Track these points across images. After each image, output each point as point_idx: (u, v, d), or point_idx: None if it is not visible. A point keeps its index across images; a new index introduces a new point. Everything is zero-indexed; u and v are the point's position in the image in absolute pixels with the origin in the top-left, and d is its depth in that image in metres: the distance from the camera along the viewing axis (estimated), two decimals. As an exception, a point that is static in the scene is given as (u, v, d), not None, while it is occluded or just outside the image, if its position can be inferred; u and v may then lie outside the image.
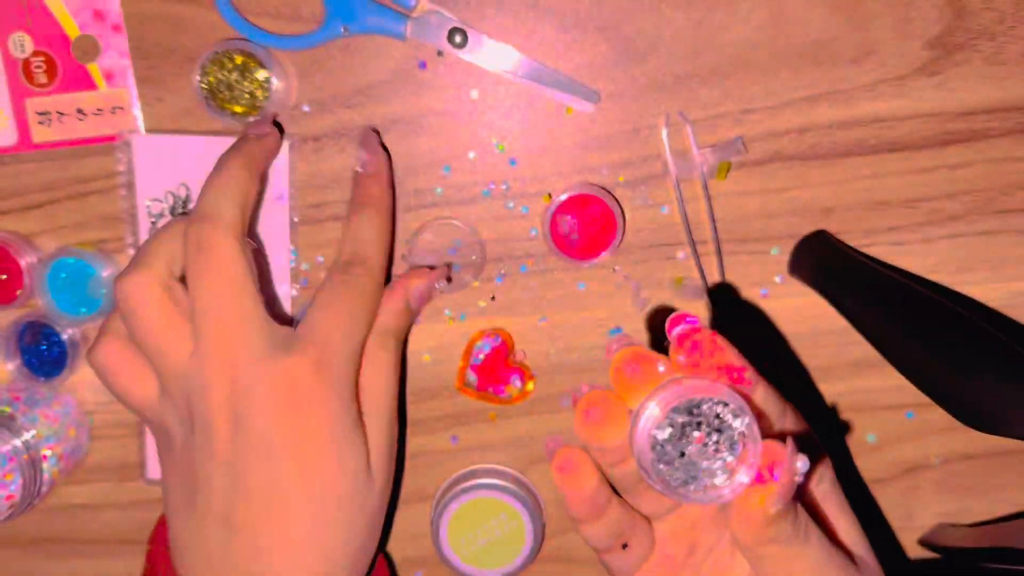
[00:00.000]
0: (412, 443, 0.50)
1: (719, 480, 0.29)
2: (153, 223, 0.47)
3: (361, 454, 0.40)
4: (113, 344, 0.41)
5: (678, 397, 0.28)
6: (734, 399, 0.28)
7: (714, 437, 0.28)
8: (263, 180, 0.44)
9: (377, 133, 0.45)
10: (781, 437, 0.29)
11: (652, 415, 0.29)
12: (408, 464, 0.50)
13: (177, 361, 0.39)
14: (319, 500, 0.38)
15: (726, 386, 0.29)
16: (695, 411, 0.28)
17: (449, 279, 0.46)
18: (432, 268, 0.45)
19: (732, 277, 0.47)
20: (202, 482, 0.38)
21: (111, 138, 0.46)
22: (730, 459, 0.28)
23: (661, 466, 0.29)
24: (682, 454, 0.28)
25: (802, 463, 0.28)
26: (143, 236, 0.47)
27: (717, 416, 0.28)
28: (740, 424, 0.28)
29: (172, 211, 0.47)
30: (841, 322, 0.47)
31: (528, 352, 0.49)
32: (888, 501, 0.50)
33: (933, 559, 0.49)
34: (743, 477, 0.28)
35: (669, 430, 0.28)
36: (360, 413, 0.41)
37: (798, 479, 0.28)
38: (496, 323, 0.48)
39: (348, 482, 0.39)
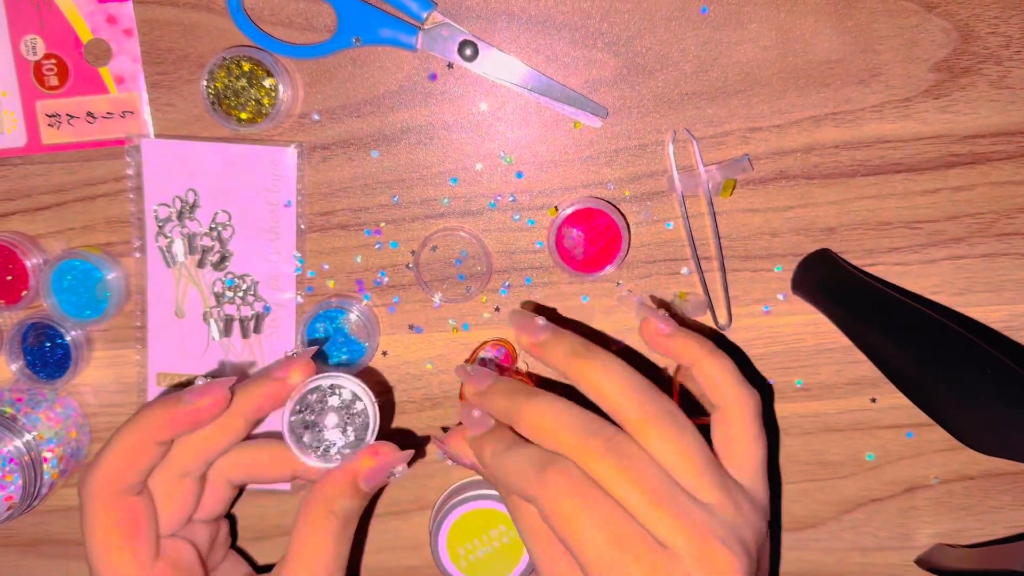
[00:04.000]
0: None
1: (333, 452, 0.40)
2: (160, 227, 0.47)
3: None
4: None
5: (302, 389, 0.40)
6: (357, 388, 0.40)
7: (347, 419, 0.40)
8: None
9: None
10: None
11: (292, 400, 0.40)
12: (408, 474, 0.50)
13: None
14: None
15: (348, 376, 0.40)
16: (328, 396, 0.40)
17: (410, 464, 0.40)
18: (393, 446, 0.40)
19: (735, 294, 0.48)
20: None
21: (120, 142, 0.47)
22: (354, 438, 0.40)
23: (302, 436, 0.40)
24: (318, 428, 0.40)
25: (400, 470, 0.40)
26: (150, 240, 0.47)
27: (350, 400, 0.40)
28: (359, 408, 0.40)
29: (179, 216, 0.47)
30: (843, 340, 0.47)
31: (531, 364, 0.49)
32: (886, 520, 0.50)
33: (930, 579, 0.49)
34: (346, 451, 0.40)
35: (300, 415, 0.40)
36: None
37: (391, 478, 0.40)
38: (500, 334, 0.48)
39: None
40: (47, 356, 0.48)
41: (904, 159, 0.46)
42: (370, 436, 0.40)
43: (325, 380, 0.40)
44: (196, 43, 0.46)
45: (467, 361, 0.48)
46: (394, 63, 0.46)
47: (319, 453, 0.40)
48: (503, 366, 0.48)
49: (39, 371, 0.48)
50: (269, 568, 0.40)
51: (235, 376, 0.40)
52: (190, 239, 0.47)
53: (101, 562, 0.38)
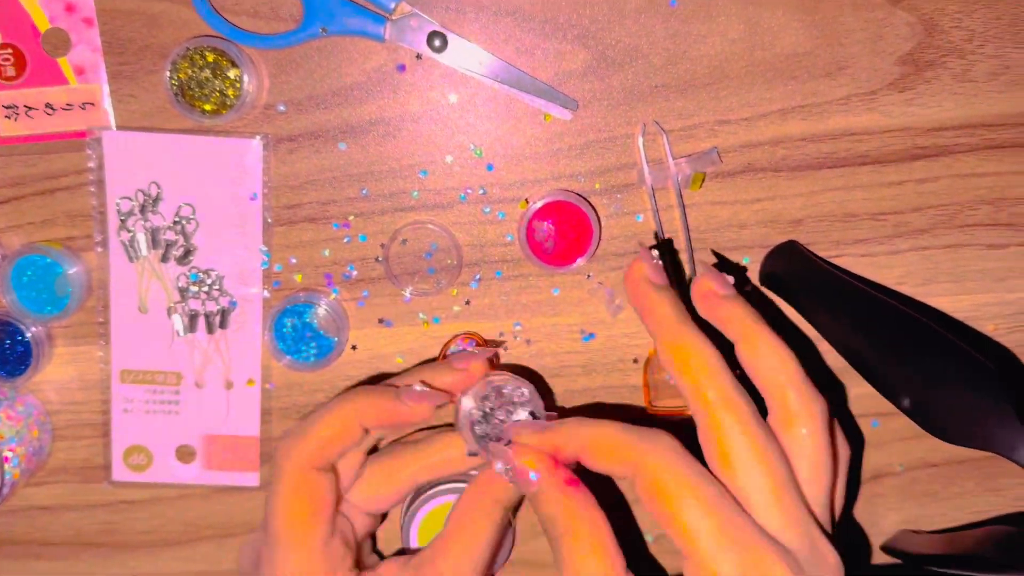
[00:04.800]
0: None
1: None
2: (122, 221, 0.46)
3: None
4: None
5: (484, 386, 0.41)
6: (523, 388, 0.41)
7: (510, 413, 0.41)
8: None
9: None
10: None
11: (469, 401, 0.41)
12: (379, 468, 0.50)
13: None
14: None
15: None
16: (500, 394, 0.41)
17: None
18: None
19: (704, 285, 0.48)
20: None
21: (80, 134, 0.46)
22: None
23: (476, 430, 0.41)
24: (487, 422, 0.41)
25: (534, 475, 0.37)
26: (112, 234, 0.46)
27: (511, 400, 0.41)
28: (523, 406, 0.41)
29: (142, 209, 0.46)
30: (810, 331, 0.48)
31: (502, 357, 0.49)
32: (853, 508, 0.50)
33: (895, 564, 0.50)
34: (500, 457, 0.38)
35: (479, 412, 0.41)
36: None
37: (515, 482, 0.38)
38: (470, 327, 0.48)
39: None
40: (7, 353, 0.47)
41: (870, 151, 0.47)
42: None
43: (501, 379, 0.42)
44: (159, 33, 0.45)
45: (440, 355, 0.48)
46: (362, 54, 0.45)
47: (482, 442, 0.41)
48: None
49: (-1, 369, 0.47)
50: None
51: (447, 394, 0.41)
52: (153, 233, 0.46)
53: (286, 534, 0.40)
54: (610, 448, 0.35)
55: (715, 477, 0.34)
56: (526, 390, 0.41)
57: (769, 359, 0.36)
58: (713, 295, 0.38)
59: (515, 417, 0.40)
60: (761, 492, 0.33)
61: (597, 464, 0.36)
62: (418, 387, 0.41)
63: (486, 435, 0.41)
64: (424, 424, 0.42)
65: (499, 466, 0.38)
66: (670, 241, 0.47)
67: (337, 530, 0.41)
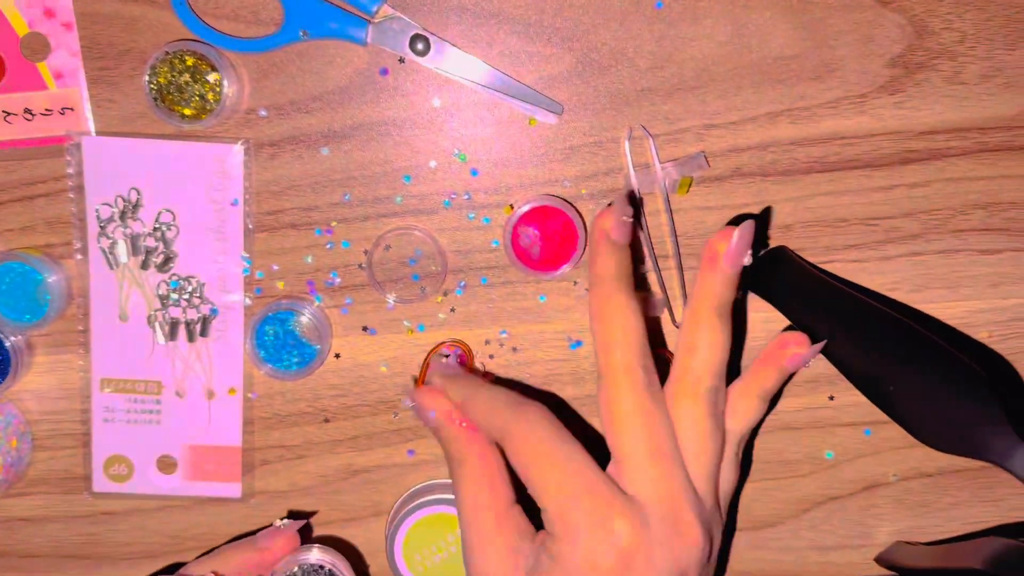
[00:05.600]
0: (367, 457, 0.49)
1: None
2: (102, 228, 0.45)
3: None
4: None
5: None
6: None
7: None
8: None
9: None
10: None
11: None
12: (363, 478, 0.49)
13: None
14: None
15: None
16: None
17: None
18: None
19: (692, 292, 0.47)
20: None
21: (59, 140, 0.45)
22: None
23: None
24: None
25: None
26: (92, 241, 0.46)
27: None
28: None
29: (122, 216, 0.45)
30: (801, 338, 0.47)
31: (488, 365, 0.48)
32: (845, 518, 0.50)
33: (889, 576, 0.49)
34: None
35: None
36: None
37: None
38: (456, 335, 0.48)
39: None
40: (-16, 362, 0.46)
41: (860, 155, 0.46)
42: None
43: (309, 556, 0.43)
44: (138, 37, 0.44)
45: (424, 364, 0.47)
46: (343, 57, 0.45)
47: None
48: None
49: (-24, 378, 0.46)
50: None
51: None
52: (133, 240, 0.46)
53: None
54: (487, 410, 0.39)
55: (575, 441, 0.37)
56: (336, 568, 0.43)
57: (685, 329, 0.40)
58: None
59: None
60: (635, 452, 0.37)
61: (477, 423, 0.40)
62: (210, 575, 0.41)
63: None
64: None
65: (407, 402, 0.42)
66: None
67: None
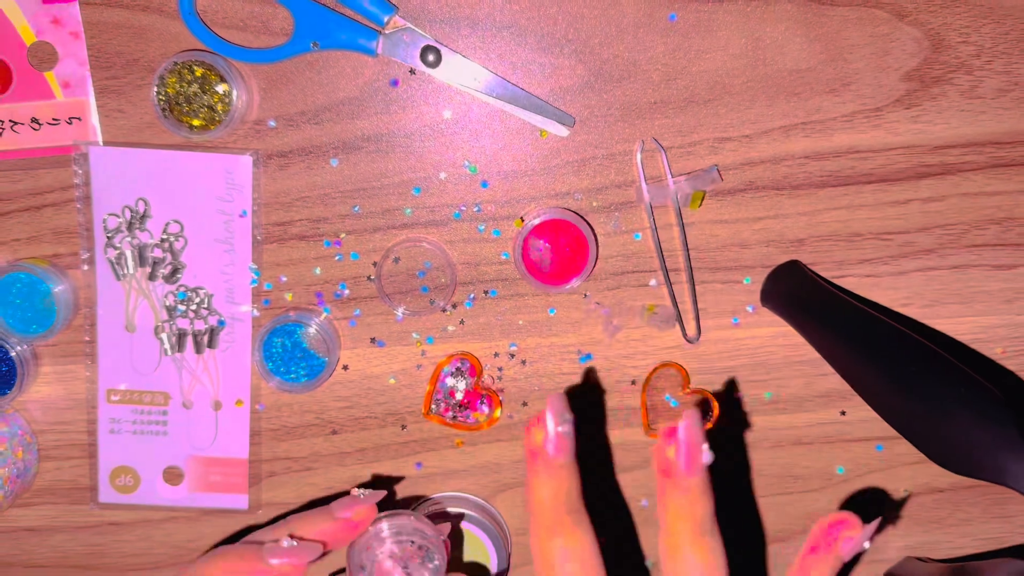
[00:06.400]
0: (375, 469, 0.48)
1: None
2: (109, 238, 0.45)
3: None
4: None
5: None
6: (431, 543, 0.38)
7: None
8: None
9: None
10: None
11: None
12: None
13: None
14: None
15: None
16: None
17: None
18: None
19: (704, 306, 0.47)
20: None
21: (67, 149, 0.45)
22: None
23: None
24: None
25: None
26: (99, 251, 0.45)
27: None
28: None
29: (129, 226, 0.45)
30: (812, 353, 0.46)
31: (496, 378, 0.47)
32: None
33: (900, 593, 0.49)
34: None
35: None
36: None
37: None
38: (465, 347, 0.47)
39: None
40: (-10, 373, 0.46)
41: (875, 169, 0.45)
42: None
43: (394, 526, 0.38)
44: (147, 47, 0.44)
45: (433, 377, 0.47)
46: (354, 69, 0.44)
47: None
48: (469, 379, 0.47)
49: (-18, 388, 0.46)
50: None
51: (319, 547, 0.37)
52: (140, 250, 0.45)
53: None
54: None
55: None
56: (426, 536, 0.38)
57: (667, 564, 0.32)
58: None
59: (418, 571, 0.37)
60: None
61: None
62: (285, 542, 0.37)
63: None
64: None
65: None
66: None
67: None
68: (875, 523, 0.32)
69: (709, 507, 0.31)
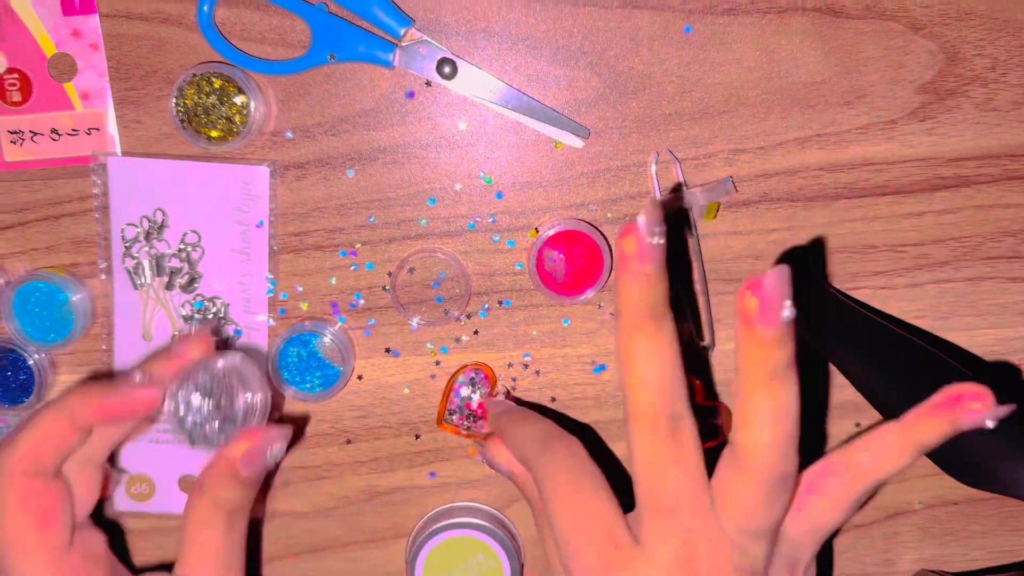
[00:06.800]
0: (388, 479, 0.48)
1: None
2: (127, 247, 0.45)
3: None
4: None
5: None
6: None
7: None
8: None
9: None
10: None
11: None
12: (384, 500, 0.49)
13: None
14: None
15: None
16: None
17: (290, 445, 0.40)
18: (272, 425, 0.39)
19: (719, 316, 0.47)
20: None
21: (85, 160, 0.45)
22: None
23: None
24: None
25: (277, 449, 0.38)
26: (116, 261, 0.46)
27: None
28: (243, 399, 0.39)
29: (147, 236, 0.45)
30: (826, 364, 0.46)
31: (510, 388, 0.48)
32: (870, 546, 0.49)
33: (914, 605, 0.49)
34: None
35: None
36: None
37: (272, 460, 0.38)
38: (479, 358, 0.47)
39: None
40: (9, 382, 0.46)
41: (889, 182, 0.46)
42: (255, 421, 0.39)
43: (219, 361, 0.39)
44: (165, 59, 0.44)
45: (447, 387, 0.47)
46: (370, 80, 0.44)
47: (195, 432, 0.39)
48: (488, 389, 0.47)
49: (1, 398, 0.46)
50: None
51: (164, 379, 0.39)
52: (158, 260, 0.46)
53: (12, 548, 0.36)
54: (519, 444, 0.38)
55: (600, 483, 0.35)
56: (234, 363, 0.39)
57: (738, 404, 0.33)
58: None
59: (237, 402, 0.38)
60: (648, 505, 0.33)
61: (515, 454, 0.39)
62: (138, 376, 0.38)
63: (213, 427, 0.38)
64: (149, 416, 0.39)
65: (479, 458, 0.43)
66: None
67: (75, 544, 0.37)
68: (1010, 407, 0.31)
69: (785, 356, 0.31)
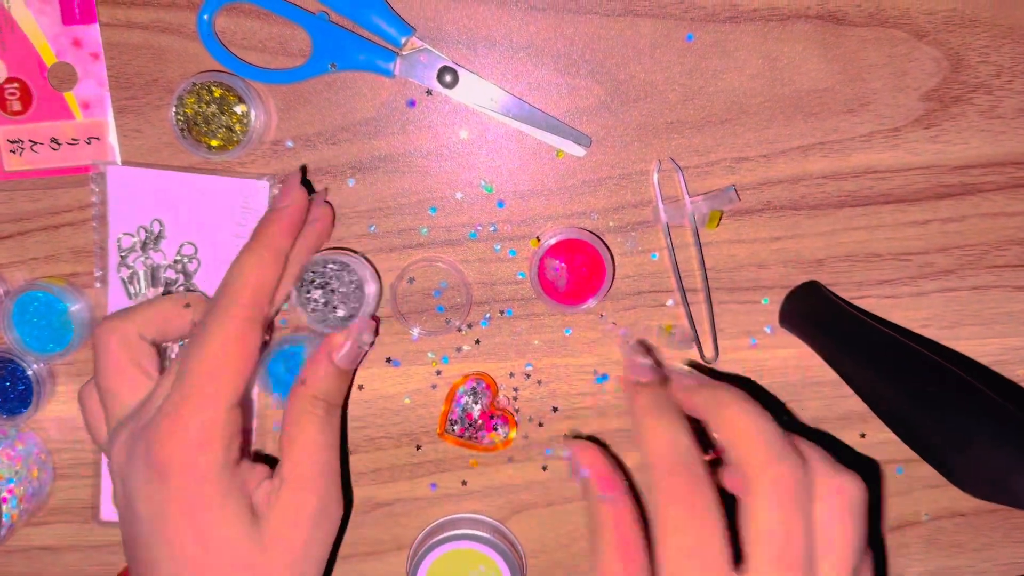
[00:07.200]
0: (389, 490, 0.48)
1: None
2: (123, 257, 0.45)
3: (238, 522, 0.38)
4: (91, 384, 0.42)
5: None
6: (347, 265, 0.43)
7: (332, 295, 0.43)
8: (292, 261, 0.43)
9: (302, 170, 0.44)
10: None
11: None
12: (385, 511, 0.48)
13: (122, 406, 0.40)
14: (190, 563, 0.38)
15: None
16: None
17: (376, 331, 0.44)
18: (359, 319, 0.43)
19: (721, 326, 0.46)
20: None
21: (85, 169, 0.45)
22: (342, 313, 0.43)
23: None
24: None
25: (368, 337, 0.43)
26: (112, 270, 0.45)
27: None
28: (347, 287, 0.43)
29: (143, 246, 0.45)
30: (831, 374, 0.46)
31: (511, 398, 0.47)
32: (876, 558, 0.49)
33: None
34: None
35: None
36: (272, 477, 0.40)
37: (362, 347, 0.42)
38: (480, 367, 0.47)
39: (219, 548, 0.38)
40: (7, 392, 0.46)
41: (893, 190, 0.45)
42: (369, 311, 0.43)
43: (339, 257, 0.43)
44: (165, 68, 0.44)
45: (449, 396, 0.47)
46: (371, 89, 0.44)
47: (318, 314, 0.43)
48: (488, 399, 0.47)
49: (-1, 407, 0.46)
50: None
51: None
52: (154, 271, 0.45)
53: (205, 380, 0.38)
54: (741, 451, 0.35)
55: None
56: (342, 263, 0.42)
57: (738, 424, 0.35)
58: (682, 389, 0.38)
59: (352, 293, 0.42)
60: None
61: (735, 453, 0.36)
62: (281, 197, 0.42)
63: (327, 317, 0.42)
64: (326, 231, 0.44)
65: (565, 453, 0.44)
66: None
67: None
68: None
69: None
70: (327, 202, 0.45)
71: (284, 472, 0.40)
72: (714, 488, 0.34)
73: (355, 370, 0.44)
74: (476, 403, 0.46)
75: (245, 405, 0.40)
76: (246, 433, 0.41)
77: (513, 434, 0.47)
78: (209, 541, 0.38)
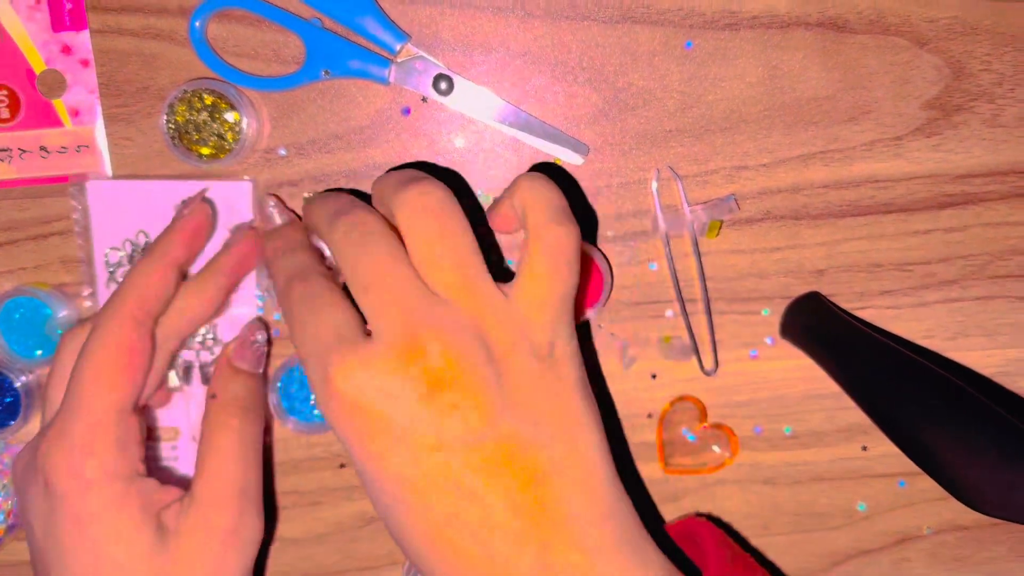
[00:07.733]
0: (384, 503, 0.47)
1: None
2: (111, 272, 0.44)
3: (137, 538, 0.37)
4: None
5: None
6: None
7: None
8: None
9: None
10: None
11: None
12: (379, 526, 0.47)
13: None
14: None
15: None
16: None
17: (268, 331, 0.44)
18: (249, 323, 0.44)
19: (721, 337, 0.46)
20: None
21: (74, 178, 0.44)
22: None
23: None
24: None
25: (260, 337, 0.43)
26: (100, 286, 0.44)
27: None
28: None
29: (131, 259, 0.44)
30: (833, 386, 0.45)
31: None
32: (878, 572, 0.48)
33: (923, 634, 0.47)
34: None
35: None
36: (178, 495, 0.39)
37: (259, 347, 0.43)
38: (476, 380, 0.46)
39: (114, 566, 0.37)
40: (-6, 404, 0.45)
41: (895, 199, 0.45)
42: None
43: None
44: (156, 75, 0.43)
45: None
46: (365, 97, 0.44)
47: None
48: None
49: (-15, 420, 0.45)
50: None
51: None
52: (147, 281, 0.44)
53: (89, 385, 0.37)
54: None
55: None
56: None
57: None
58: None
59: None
60: None
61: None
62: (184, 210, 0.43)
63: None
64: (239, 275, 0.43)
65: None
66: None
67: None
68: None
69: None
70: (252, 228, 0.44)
71: (195, 490, 0.38)
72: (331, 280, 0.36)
73: (264, 372, 0.44)
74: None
75: (144, 416, 0.40)
76: (150, 447, 0.41)
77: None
78: (102, 557, 0.36)
